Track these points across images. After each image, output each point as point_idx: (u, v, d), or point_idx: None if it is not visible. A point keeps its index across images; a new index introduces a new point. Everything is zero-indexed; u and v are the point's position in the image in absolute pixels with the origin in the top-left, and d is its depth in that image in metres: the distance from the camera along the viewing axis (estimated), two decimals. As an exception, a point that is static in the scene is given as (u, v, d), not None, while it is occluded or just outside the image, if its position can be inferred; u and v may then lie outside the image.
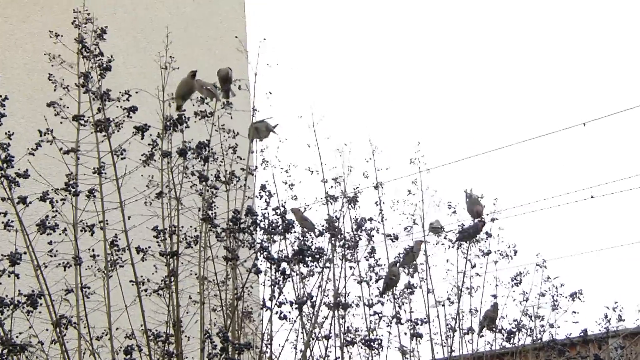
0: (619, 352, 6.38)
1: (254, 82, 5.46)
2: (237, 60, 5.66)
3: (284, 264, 5.17)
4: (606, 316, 6.18)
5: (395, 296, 6.03)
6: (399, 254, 6.12)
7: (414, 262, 6.13)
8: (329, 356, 5.50)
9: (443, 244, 6.34)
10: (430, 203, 6.27)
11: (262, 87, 5.44)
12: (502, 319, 6.30)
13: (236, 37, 5.88)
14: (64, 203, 4.88)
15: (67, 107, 4.99)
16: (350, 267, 5.80)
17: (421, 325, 6.02)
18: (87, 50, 5.01)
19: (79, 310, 4.88)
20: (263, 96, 5.43)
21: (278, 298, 5.14)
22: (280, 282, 5.13)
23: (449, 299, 6.19)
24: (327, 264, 5.51)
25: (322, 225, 5.70)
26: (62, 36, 5.17)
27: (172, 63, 5.21)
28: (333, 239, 5.66)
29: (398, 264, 6.07)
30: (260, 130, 5.45)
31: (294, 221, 5.39)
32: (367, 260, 5.90)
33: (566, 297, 6.29)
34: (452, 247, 6.34)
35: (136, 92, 5.00)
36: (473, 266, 6.25)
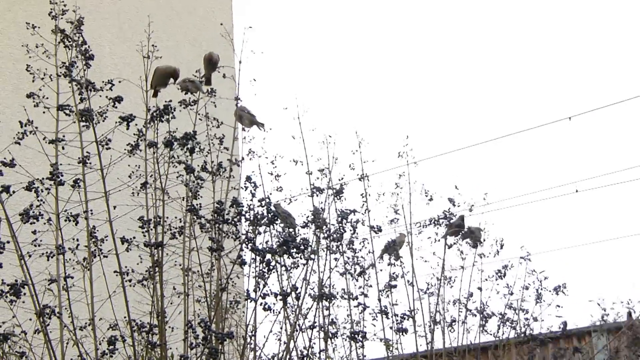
0: (605, 346, 6.43)
1: (238, 70, 5.46)
2: (224, 50, 5.65)
3: (268, 256, 5.16)
4: (600, 305, 6.22)
5: (379, 288, 6.05)
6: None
7: (397, 254, 6.15)
8: (312, 348, 5.50)
9: (429, 237, 6.36)
10: (417, 196, 6.28)
11: (247, 76, 5.45)
12: (489, 310, 6.32)
13: (221, 24, 5.86)
14: (48, 192, 4.86)
15: (47, 98, 4.95)
16: (335, 259, 5.81)
17: (406, 319, 6.03)
18: (70, 39, 4.97)
19: (62, 300, 4.85)
20: (248, 85, 5.43)
21: (262, 289, 5.13)
22: (265, 274, 5.13)
23: (430, 288, 6.20)
24: (312, 256, 5.50)
25: (307, 217, 5.68)
26: (39, 27, 5.11)
27: (156, 52, 5.19)
28: (318, 230, 5.66)
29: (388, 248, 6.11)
30: (244, 119, 5.45)
31: (279, 213, 5.38)
32: (347, 250, 5.88)
33: (550, 291, 6.32)
34: (438, 241, 6.36)
35: (119, 82, 4.98)
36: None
